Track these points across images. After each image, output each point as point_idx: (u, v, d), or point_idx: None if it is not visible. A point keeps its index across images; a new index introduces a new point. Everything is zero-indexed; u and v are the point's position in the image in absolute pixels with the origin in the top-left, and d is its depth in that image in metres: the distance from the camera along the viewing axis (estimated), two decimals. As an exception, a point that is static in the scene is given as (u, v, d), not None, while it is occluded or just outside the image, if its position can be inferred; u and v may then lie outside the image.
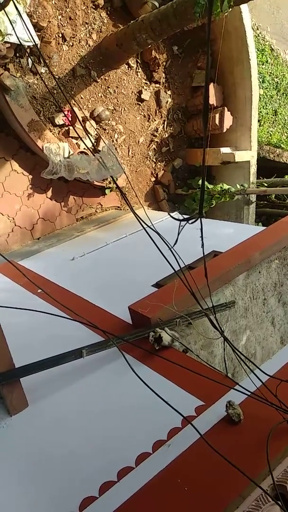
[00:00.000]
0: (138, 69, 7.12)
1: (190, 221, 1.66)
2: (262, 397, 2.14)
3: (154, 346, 3.22)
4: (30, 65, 5.81)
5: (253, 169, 7.97)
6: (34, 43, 4.86)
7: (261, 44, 10.13)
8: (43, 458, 2.54)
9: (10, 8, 4.15)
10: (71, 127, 6.40)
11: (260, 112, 10.00)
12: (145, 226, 2.21)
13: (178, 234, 1.80)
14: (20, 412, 2.85)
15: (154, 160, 7.90)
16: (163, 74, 7.39)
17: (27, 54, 5.67)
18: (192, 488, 2.14)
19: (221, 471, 2.07)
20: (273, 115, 10.72)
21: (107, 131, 7.02)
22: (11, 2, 3.90)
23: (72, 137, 6.50)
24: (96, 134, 6.83)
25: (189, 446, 2.36)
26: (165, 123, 7.77)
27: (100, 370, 3.19)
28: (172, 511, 2.06)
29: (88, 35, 6.40)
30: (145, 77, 7.25)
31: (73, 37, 6.24)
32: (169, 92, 7.61)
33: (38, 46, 5.70)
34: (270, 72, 10.46)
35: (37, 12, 5.66)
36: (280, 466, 2.20)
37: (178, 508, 2.06)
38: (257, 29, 10.06)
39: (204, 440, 1.87)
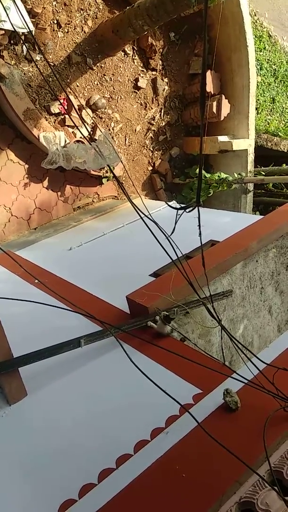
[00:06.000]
0: (135, 56, 7.03)
1: (187, 210, 1.66)
2: (259, 384, 2.15)
3: (164, 323, 3.24)
4: (25, 53, 5.72)
5: (251, 157, 7.93)
6: (28, 30, 4.78)
7: (259, 31, 10.00)
8: (42, 446, 2.56)
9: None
10: (67, 116, 6.34)
11: (258, 99, 9.91)
12: (142, 215, 2.20)
13: (175, 223, 1.80)
14: (19, 401, 2.86)
15: (151, 149, 7.85)
16: (160, 61, 7.31)
17: (21, 41, 5.59)
18: (190, 475, 2.17)
19: (218, 458, 2.10)
20: (271, 103, 10.63)
21: (104, 119, 6.95)
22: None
23: (68, 126, 6.44)
24: (93, 122, 6.77)
25: (187, 434, 2.38)
26: (162, 111, 7.70)
27: (98, 359, 3.20)
28: (170, 497, 2.09)
29: (83, 21, 6.30)
30: (141, 65, 7.16)
31: (68, 24, 6.14)
32: (166, 80, 7.53)
33: (33, 33, 5.61)
34: (268, 59, 10.35)
35: (31, -2, 5.57)
36: (276, 452, 2.23)
37: (176, 494, 2.09)
38: (255, 15, 9.91)
39: (201, 428, 1.89)
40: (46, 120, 6.14)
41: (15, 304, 2.34)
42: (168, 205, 1.88)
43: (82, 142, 6.29)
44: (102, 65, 6.68)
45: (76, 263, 5.21)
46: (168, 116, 7.82)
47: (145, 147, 7.75)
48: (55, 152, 5.90)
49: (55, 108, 6.22)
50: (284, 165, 8.04)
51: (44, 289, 4.08)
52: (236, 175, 7.59)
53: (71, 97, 6.42)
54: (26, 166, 6.28)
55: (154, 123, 7.68)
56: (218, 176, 7.54)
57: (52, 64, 6.11)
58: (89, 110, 6.69)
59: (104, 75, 6.75)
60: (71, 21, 6.16)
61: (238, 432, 2.37)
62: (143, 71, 7.21)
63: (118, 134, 7.24)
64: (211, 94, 7.48)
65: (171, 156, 8.13)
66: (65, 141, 6.16)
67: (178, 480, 2.15)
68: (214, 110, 7.44)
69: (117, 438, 2.50)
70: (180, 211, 1.70)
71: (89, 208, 7.17)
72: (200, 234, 1.78)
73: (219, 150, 7.64)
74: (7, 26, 4.94)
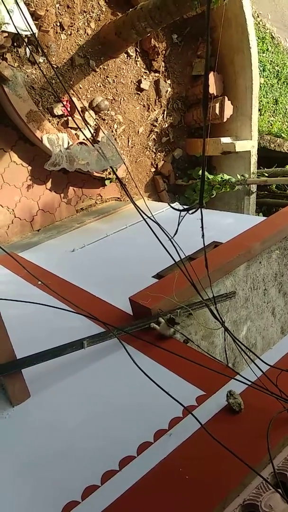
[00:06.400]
0: (137, 58, 7.04)
1: (190, 212, 1.66)
2: (262, 386, 2.15)
3: (168, 325, 3.24)
4: (28, 55, 5.75)
5: (254, 159, 7.92)
6: (32, 32, 4.82)
7: (261, 32, 10.01)
8: (45, 447, 2.56)
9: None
10: (70, 118, 6.36)
11: (261, 101, 9.92)
12: (145, 217, 2.21)
13: (178, 224, 1.80)
14: (22, 403, 2.86)
15: (154, 151, 7.85)
16: (163, 63, 7.32)
17: (25, 44, 5.61)
18: (194, 477, 2.16)
19: (222, 460, 2.09)
20: (273, 104, 10.63)
21: (107, 121, 6.96)
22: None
23: (71, 128, 6.46)
24: (95, 124, 6.78)
25: (190, 436, 2.38)
26: (165, 112, 7.71)
27: (101, 361, 3.20)
28: (173, 499, 2.08)
29: (86, 23, 6.32)
30: (144, 66, 7.17)
31: (71, 26, 6.16)
32: (168, 81, 7.53)
33: (36, 35, 5.64)
34: (270, 61, 10.35)
35: (35, 1, 5.59)
36: (280, 454, 2.22)
37: (179, 496, 2.09)
38: (258, 16, 9.93)
39: (205, 430, 1.88)
40: (49, 122, 6.16)
41: (18, 306, 2.34)
42: (171, 207, 1.89)
43: (85, 144, 6.30)
44: (105, 67, 6.70)
45: (79, 265, 5.22)
46: (171, 118, 7.83)
47: (148, 149, 7.76)
48: (58, 153, 5.92)
49: (58, 110, 6.23)
50: (287, 166, 8.03)
51: (47, 291, 4.09)
52: (239, 177, 7.58)
53: (74, 99, 6.43)
54: (29, 168, 6.30)
55: (157, 124, 7.69)
56: (221, 178, 7.54)
57: (55, 66, 6.13)
58: (92, 112, 6.70)
59: (107, 77, 6.77)
60: (74, 24, 6.18)
61: (241, 434, 2.37)
62: (146, 73, 7.22)
63: (121, 136, 7.26)
64: (214, 96, 7.48)
65: (174, 158, 8.13)
66: (68, 143, 6.17)
67: (182, 482, 2.14)
68: (217, 111, 7.44)
69: (120, 439, 2.50)
70: (183, 213, 1.70)
71: (92, 210, 7.17)
72: (203, 235, 1.78)
73: (222, 151, 7.63)
74: (11, 29, 4.96)
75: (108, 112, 6.91)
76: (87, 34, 6.37)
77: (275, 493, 2.01)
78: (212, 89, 7.40)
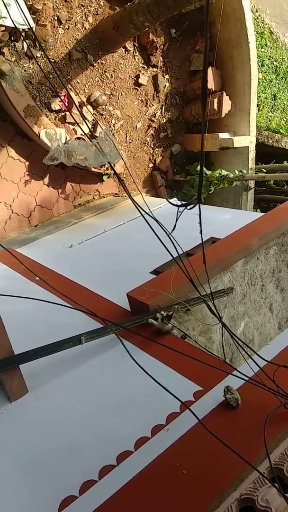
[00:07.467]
0: (135, 52, 7.00)
1: (188, 207, 1.65)
2: (259, 382, 2.16)
3: (164, 322, 3.24)
4: (25, 49, 5.71)
5: (252, 154, 7.91)
6: (29, 27, 4.77)
7: (260, 27, 9.96)
8: (43, 443, 2.57)
9: (4, -11, 4.06)
10: (67, 113, 6.32)
11: (259, 96, 9.88)
12: (143, 212, 2.20)
13: (176, 220, 1.79)
14: (20, 398, 2.87)
15: (152, 146, 7.83)
16: (161, 58, 7.28)
17: (22, 38, 5.57)
18: (191, 471, 2.17)
19: (219, 455, 2.10)
20: (272, 100, 10.60)
21: (104, 116, 6.93)
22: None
23: (68, 123, 6.43)
24: (93, 119, 6.75)
25: (188, 431, 2.39)
26: (163, 108, 7.68)
27: (99, 356, 3.21)
28: (171, 493, 2.09)
29: (84, 17, 6.28)
30: (142, 61, 7.13)
31: (69, 20, 6.12)
32: (167, 77, 7.50)
33: (33, 29, 5.59)
34: (269, 56, 10.31)
35: (32, -6, 5.54)
36: (277, 449, 2.23)
37: (176, 491, 2.10)
38: (256, 11, 9.88)
39: (202, 425, 1.89)
40: (47, 117, 6.13)
41: (15, 301, 2.33)
42: (169, 202, 1.88)
43: (83, 139, 6.28)
44: (103, 62, 6.66)
45: (77, 261, 5.21)
46: (169, 113, 7.80)
47: (146, 144, 7.73)
48: (56, 148, 5.90)
49: (56, 105, 6.20)
50: (285, 162, 8.02)
51: (45, 286, 4.08)
52: (237, 172, 7.57)
53: (72, 94, 6.40)
54: (27, 163, 6.28)
55: (155, 120, 7.66)
56: (219, 173, 7.53)
57: (52, 60, 6.09)
58: (89, 107, 6.67)
59: (105, 71, 6.73)
60: (72, 18, 6.14)
61: (238, 429, 2.38)
62: (144, 67, 7.18)
63: (119, 131, 7.23)
64: (212, 91, 7.45)
65: (172, 153, 8.11)
66: (66, 138, 6.15)
67: (179, 476, 2.16)
68: (215, 107, 7.42)
69: (117, 435, 2.51)
70: (181, 208, 1.70)
71: (89, 205, 7.16)
72: (201, 231, 1.78)
73: (220, 147, 7.61)
74: (8, 23, 4.92)
75: (106, 107, 6.88)
76: (85, 29, 6.33)
77: (272, 488, 2.02)
78: (211, 84, 7.37)
